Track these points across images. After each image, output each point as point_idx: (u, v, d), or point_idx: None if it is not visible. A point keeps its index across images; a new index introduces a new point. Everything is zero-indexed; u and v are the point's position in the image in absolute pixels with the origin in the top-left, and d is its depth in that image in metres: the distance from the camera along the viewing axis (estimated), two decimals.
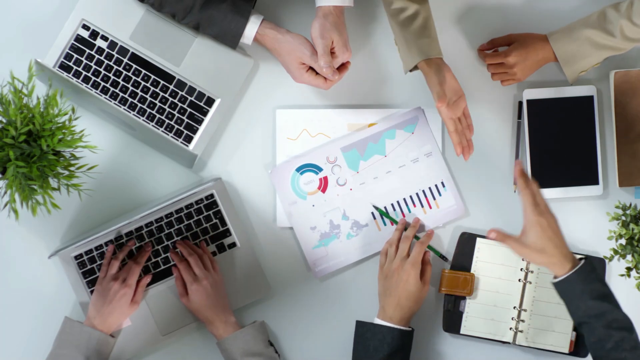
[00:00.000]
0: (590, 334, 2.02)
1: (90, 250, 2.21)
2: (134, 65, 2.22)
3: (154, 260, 2.23)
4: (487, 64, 2.23)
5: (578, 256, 2.06)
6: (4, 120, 1.88)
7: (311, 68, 2.17)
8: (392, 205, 2.25)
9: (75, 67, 2.21)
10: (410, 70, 2.14)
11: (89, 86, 2.21)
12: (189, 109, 2.23)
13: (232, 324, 2.18)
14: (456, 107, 2.12)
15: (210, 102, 2.23)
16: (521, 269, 2.23)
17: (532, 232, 2.03)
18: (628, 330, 2.02)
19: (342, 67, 2.19)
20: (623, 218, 2.03)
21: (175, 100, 2.22)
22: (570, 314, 2.05)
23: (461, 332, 2.23)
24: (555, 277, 2.04)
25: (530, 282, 2.23)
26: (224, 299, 2.19)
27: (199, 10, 2.15)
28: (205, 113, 2.23)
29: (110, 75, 2.22)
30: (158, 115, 2.22)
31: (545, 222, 2.03)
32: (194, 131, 2.23)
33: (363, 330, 2.16)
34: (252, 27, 2.17)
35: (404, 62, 2.15)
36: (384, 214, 2.25)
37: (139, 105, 2.22)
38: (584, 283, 2.02)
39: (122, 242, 2.21)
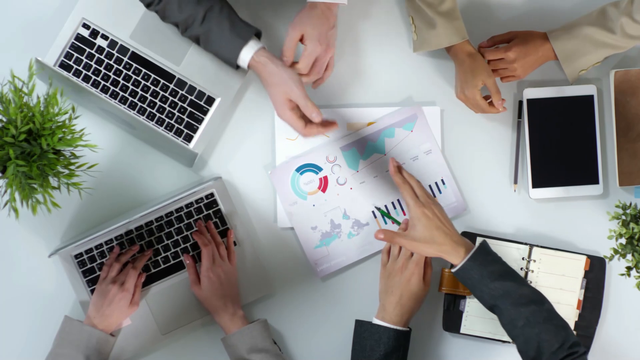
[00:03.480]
0: (501, 316, 2.06)
1: (90, 249, 2.21)
2: (134, 64, 2.22)
3: (154, 259, 2.23)
4: (487, 60, 2.23)
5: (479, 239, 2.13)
6: (4, 119, 1.88)
7: (297, 109, 2.14)
8: (393, 203, 2.25)
9: (75, 66, 2.21)
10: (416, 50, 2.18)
11: (89, 85, 2.21)
12: (189, 108, 2.23)
13: (240, 317, 2.18)
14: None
15: (210, 101, 2.23)
16: (521, 269, 2.23)
17: (419, 225, 2.09)
18: (537, 303, 2.04)
19: (326, 68, 2.19)
20: (623, 217, 2.03)
21: (176, 99, 2.22)
22: (478, 300, 2.08)
23: (461, 331, 2.23)
24: (452, 267, 2.08)
25: (530, 282, 2.23)
26: (235, 292, 2.19)
27: (199, 24, 2.13)
28: (205, 112, 2.23)
29: (111, 74, 2.22)
30: (158, 114, 2.23)
31: (429, 212, 2.09)
32: (194, 130, 2.23)
33: (361, 329, 2.16)
34: (248, 52, 2.13)
35: (428, 43, 2.17)
36: (385, 214, 2.24)
37: (139, 104, 2.22)
38: (481, 267, 2.06)
39: (126, 239, 2.21)
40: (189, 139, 2.23)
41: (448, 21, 2.16)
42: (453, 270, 2.08)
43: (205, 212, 2.23)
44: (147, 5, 2.13)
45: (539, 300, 2.04)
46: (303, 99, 2.11)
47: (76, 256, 2.21)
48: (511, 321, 2.03)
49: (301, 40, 2.15)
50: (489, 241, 2.24)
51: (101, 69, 2.22)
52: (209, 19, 2.12)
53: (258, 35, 2.16)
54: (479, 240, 2.24)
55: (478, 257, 2.07)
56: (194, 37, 2.15)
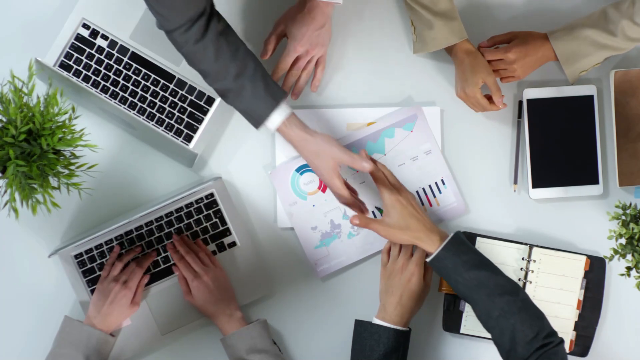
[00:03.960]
0: (476, 307, 2.06)
1: (90, 249, 2.21)
2: (134, 65, 2.22)
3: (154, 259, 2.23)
4: (487, 60, 2.23)
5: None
6: (4, 119, 1.88)
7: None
8: None
9: (75, 66, 2.21)
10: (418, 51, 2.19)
11: (89, 85, 2.21)
12: (189, 108, 2.23)
13: (238, 319, 2.18)
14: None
15: (210, 101, 2.23)
16: (521, 269, 2.23)
17: (393, 212, 2.10)
18: (512, 293, 2.04)
19: (317, 66, 2.21)
20: (623, 217, 2.03)
21: (176, 99, 2.22)
22: (454, 289, 2.09)
23: (461, 331, 2.23)
24: (427, 256, 2.10)
25: (530, 282, 2.23)
26: (228, 293, 2.19)
27: (233, 79, 2.05)
28: (205, 112, 2.23)
29: (111, 74, 2.22)
30: (158, 114, 2.22)
31: (404, 200, 2.11)
32: (194, 130, 2.23)
33: (361, 329, 2.16)
34: (279, 115, 2.08)
35: (427, 44, 2.18)
36: None
37: (139, 104, 2.22)
38: (456, 256, 2.07)
39: (126, 239, 2.21)
40: (188, 139, 2.23)
41: (445, 22, 2.16)
42: (428, 259, 2.09)
43: (205, 212, 2.23)
44: (180, 47, 2.04)
45: (513, 290, 2.05)
46: (349, 155, 2.09)
47: (76, 256, 2.21)
48: (486, 312, 2.04)
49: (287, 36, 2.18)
50: (488, 241, 2.24)
51: (101, 69, 2.22)
52: (244, 76, 2.05)
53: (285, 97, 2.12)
54: (479, 240, 2.24)
55: (452, 246, 2.08)
56: (222, 90, 2.07)
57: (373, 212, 2.25)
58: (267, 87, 2.06)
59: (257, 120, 2.08)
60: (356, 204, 2.14)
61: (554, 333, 2.03)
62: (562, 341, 2.02)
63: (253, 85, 2.05)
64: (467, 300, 2.07)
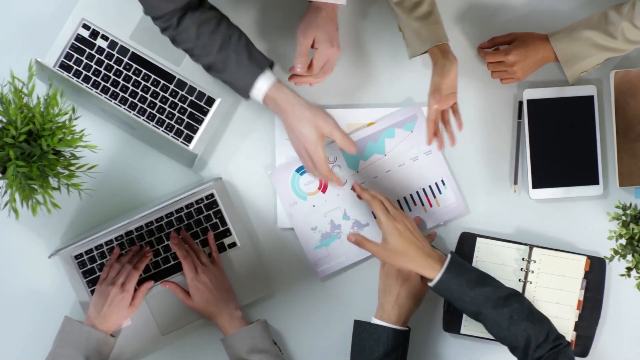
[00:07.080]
0: (485, 321, 2.08)
1: (91, 250, 2.21)
2: (134, 65, 2.22)
3: (154, 259, 2.23)
4: (487, 62, 2.23)
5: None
6: (4, 120, 1.88)
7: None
8: None
9: (75, 67, 2.21)
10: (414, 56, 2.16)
11: (89, 86, 2.21)
12: (189, 109, 2.23)
13: (238, 319, 2.18)
14: (445, 101, 2.13)
15: (210, 101, 2.23)
16: (521, 269, 2.23)
17: (390, 238, 2.11)
18: (518, 301, 2.07)
19: (325, 67, 2.20)
20: (623, 218, 2.03)
21: (176, 100, 2.22)
22: (460, 309, 2.11)
23: (461, 332, 2.23)
24: (429, 281, 2.10)
25: (530, 282, 2.23)
26: (228, 293, 2.19)
27: (217, 51, 2.07)
28: (205, 113, 2.23)
29: (111, 74, 2.22)
30: (158, 115, 2.23)
31: (401, 226, 2.12)
32: (194, 131, 2.23)
33: (360, 329, 2.16)
34: (264, 82, 2.10)
35: (410, 48, 2.15)
36: None
37: (139, 104, 2.22)
38: (459, 276, 2.08)
39: (126, 239, 2.21)
40: (189, 139, 2.23)
41: (426, 25, 2.14)
42: (431, 284, 2.10)
43: (205, 213, 2.23)
44: (163, 30, 2.08)
45: (518, 298, 2.08)
46: (339, 130, 2.11)
47: (76, 257, 2.22)
48: (497, 324, 2.06)
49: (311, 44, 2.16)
50: (489, 241, 2.24)
51: (101, 69, 2.22)
52: (227, 47, 2.07)
53: (271, 66, 2.13)
54: (479, 240, 2.24)
55: (453, 268, 2.09)
56: (207, 64, 2.10)
57: (373, 212, 2.25)
58: (250, 55, 2.08)
59: (243, 90, 2.10)
60: (334, 178, 2.15)
61: (561, 336, 2.07)
62: (569, 343, 2.06)
63: (237, 55, 2.07)
64: (474, 317, 2.08)
